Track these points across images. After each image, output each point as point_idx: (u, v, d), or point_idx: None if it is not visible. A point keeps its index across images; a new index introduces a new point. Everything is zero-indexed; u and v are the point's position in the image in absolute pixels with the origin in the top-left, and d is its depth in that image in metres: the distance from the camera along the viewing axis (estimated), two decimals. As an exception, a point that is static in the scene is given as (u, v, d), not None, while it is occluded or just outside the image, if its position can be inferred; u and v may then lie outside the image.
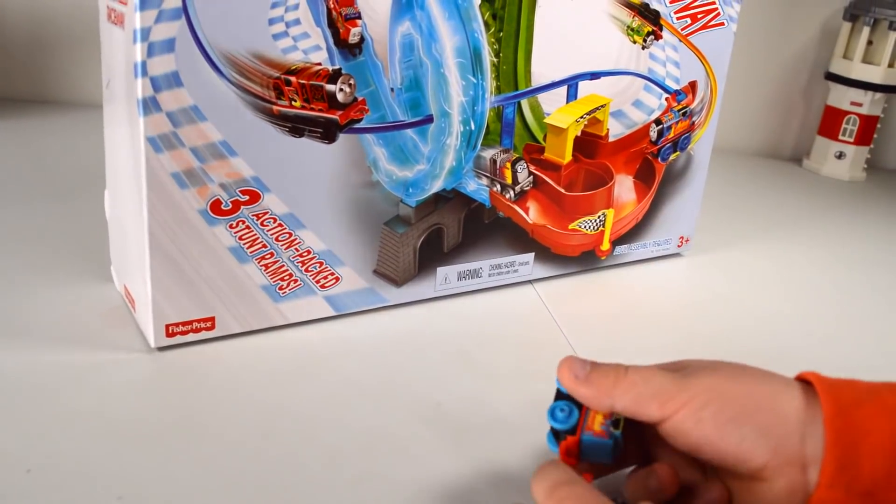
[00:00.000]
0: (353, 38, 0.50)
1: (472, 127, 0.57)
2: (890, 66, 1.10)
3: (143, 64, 0.44)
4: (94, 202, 0.59)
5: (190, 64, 0.45)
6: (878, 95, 1.12)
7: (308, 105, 0.50)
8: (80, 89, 1.07)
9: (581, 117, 0.62)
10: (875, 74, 1.10)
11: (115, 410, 0.45)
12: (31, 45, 1.05)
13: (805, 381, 0.36)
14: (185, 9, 0.44)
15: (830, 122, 1.16)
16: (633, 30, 0.63)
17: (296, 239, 0.53)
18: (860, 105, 1.12)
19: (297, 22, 0.48)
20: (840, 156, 1.15)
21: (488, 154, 0.59)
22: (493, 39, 0.56)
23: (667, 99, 0.67)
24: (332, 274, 0.55)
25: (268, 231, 0.52)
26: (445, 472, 0.42)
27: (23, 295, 0.56)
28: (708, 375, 0.36)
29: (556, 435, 0.37)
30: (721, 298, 0.69)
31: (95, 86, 1.06)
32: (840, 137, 1.15)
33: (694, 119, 0.70)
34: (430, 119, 0.55)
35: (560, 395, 0.38)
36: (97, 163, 0.57)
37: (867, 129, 1.14)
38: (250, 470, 0.41)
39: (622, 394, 0.36)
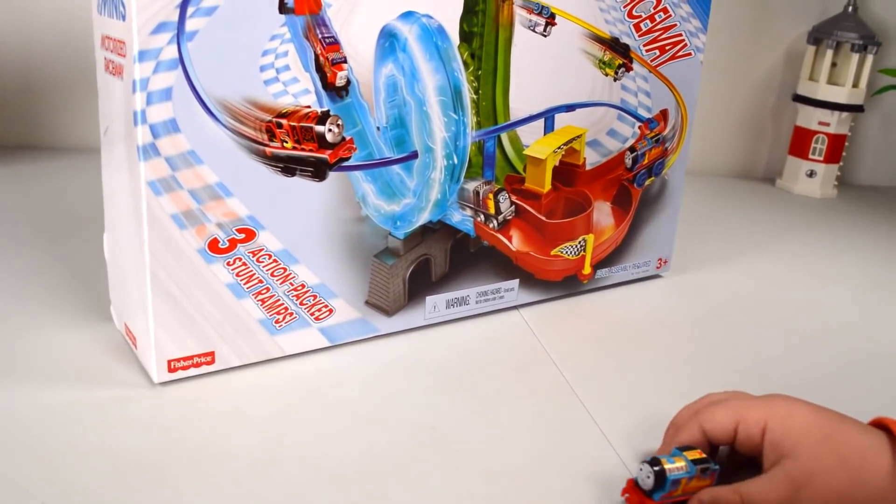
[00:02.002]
0: (339, 82, 0.53)
1: (455, 161, 0.60)
2: (854, 86, 1.15)
3: (143, 112, 0.47)
4: (89, 244, 0.60)
5: (187, 111, 0.48)
6: (845, 115, 1.16)
7: (299, 146, 0.52)
8: (70, 135, 1.09)
9: (559, 148, 0.65)
10: (840, 95, 1.14)
11: (122, 444, 0.46)
12: (20, 91, 1.07)
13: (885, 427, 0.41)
14: (181, 59, 0.47)
15: (800, 142, 1.20)
16: (604, 63, 0.66)
17: (290, 274, 0.55)
18: (828, 125, 1.16)
19: (286, 68, 0.51)
20: (811, 174, 1.19)
21: (471, 186, 0.62)
22: (472, 77, 0.59)
23: (640, 127, 0.70)
24: (326, 306, 0.57)
25: (263, 267, 0.54)
26: (443, 491, 0.44)
27: (26, 336, 0.57)
28: (815, 476, 0.40)
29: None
30: (701, 317, 0.71)
31: (85, 131, 1.08)
32: (810, 156, 1.19)
33: (666, 145, 0.73)
34: (414, 155, 0.58)
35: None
36: (90, 206, 0.59)
37: (836, 148, 1.18)
38: (256, 498, 0.43)
39: None
